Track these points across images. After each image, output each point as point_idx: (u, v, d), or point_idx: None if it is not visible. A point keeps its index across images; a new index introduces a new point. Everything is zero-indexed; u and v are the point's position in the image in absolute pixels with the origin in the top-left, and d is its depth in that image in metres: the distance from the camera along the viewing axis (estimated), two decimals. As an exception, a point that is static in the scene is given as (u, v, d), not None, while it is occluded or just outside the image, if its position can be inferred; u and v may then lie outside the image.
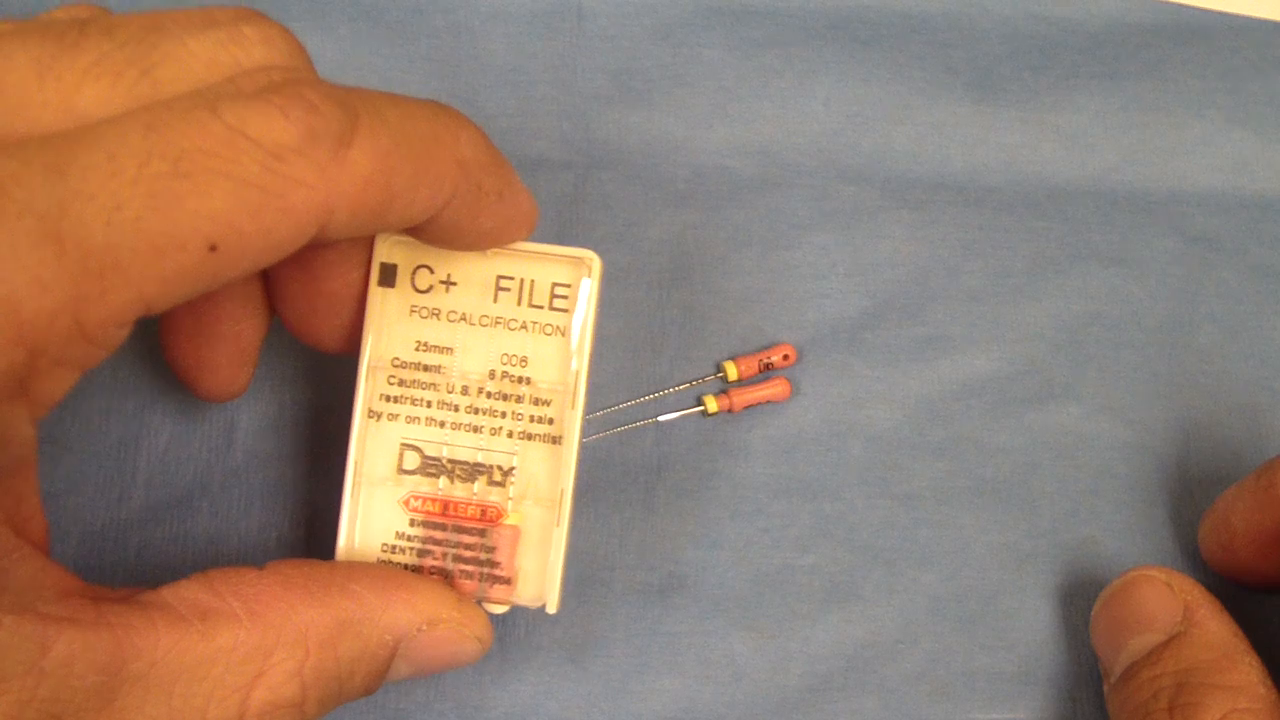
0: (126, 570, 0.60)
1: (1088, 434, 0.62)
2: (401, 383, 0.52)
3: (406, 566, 0.51)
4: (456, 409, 0.52)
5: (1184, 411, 0.63)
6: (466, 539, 0.51)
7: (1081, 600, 0.60)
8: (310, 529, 0.61)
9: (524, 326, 0.52)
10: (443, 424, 0.52)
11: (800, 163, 0.66)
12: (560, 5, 0.68)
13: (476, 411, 0.51)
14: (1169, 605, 0.54)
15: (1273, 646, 0.55)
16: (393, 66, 0.68)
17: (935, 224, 0.65)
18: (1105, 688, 0.56)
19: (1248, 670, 0.52)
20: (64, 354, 0.36)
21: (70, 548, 0.60)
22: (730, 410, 0.62)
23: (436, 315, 0.52)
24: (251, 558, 0.60)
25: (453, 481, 0.51)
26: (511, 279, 0.52)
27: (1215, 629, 0.53)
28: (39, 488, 0.46)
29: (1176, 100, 0.67)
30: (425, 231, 0.47)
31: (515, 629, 0.59)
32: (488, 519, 0.51)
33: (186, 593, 0.44)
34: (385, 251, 0.51)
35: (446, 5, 0.68)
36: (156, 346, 0.62)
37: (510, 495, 0.51)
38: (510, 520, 0.51)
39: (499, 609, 0.52)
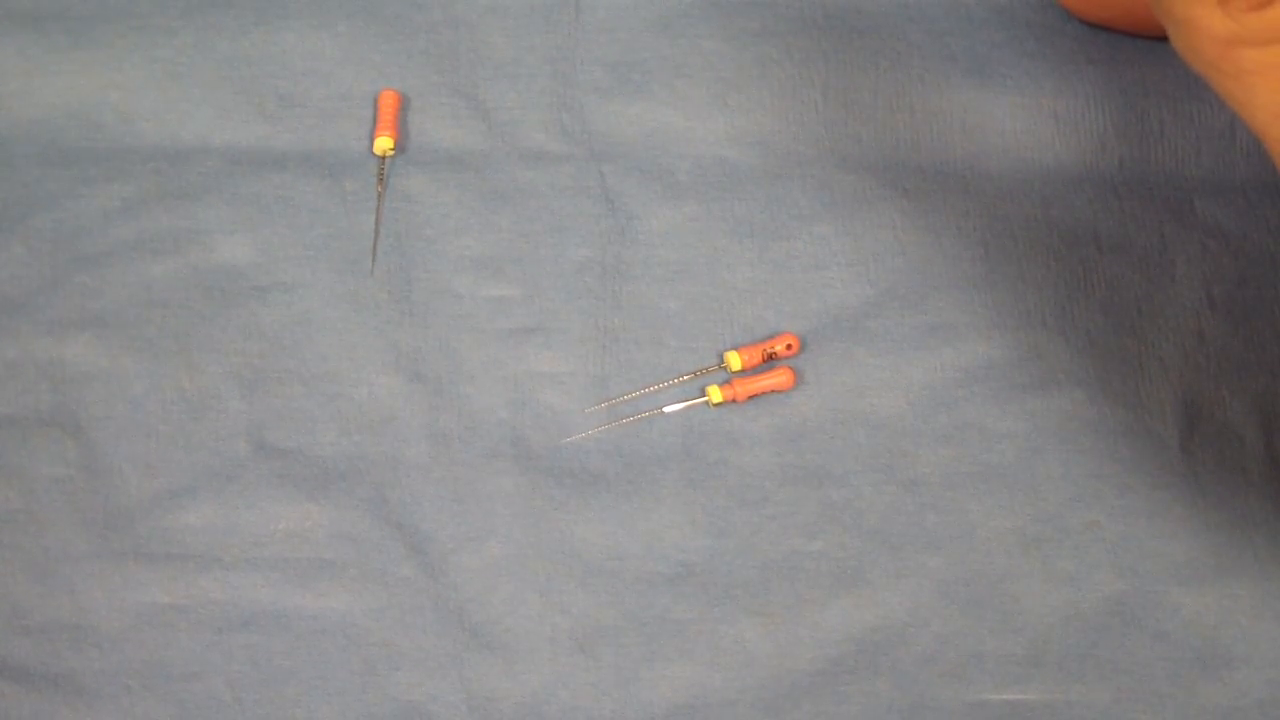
0: (135, 551, 0.60)
1: (1091, 418, 0.63)
2: None
3: None
4: None
5: (1186, 395, 0.63)
6: None
7: (1087, 584, 0.60)
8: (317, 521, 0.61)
9: None
10: None
11: (800, 152, 0.67)
12: (558, -2, 0.69)
13: None
14: None
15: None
16: (391, 61, 0.68)
17: (936, 212, 0.66)
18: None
19: None
20: None
21: (78, 529, 0.60)
22: (735, 400, 0.62)
23: None
24: (257, 547, 0.60)
25: None
26: None
27: None
28: None
29: (1175, 84, 0.67)
30: None
31: (525, 619, 0.60)
32: None
33: None
34: None
35: (445, -1, 0.69)
36: (162, 338, 0.63)
37: None
38: None
39: None
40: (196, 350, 0.63)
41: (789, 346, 0.63)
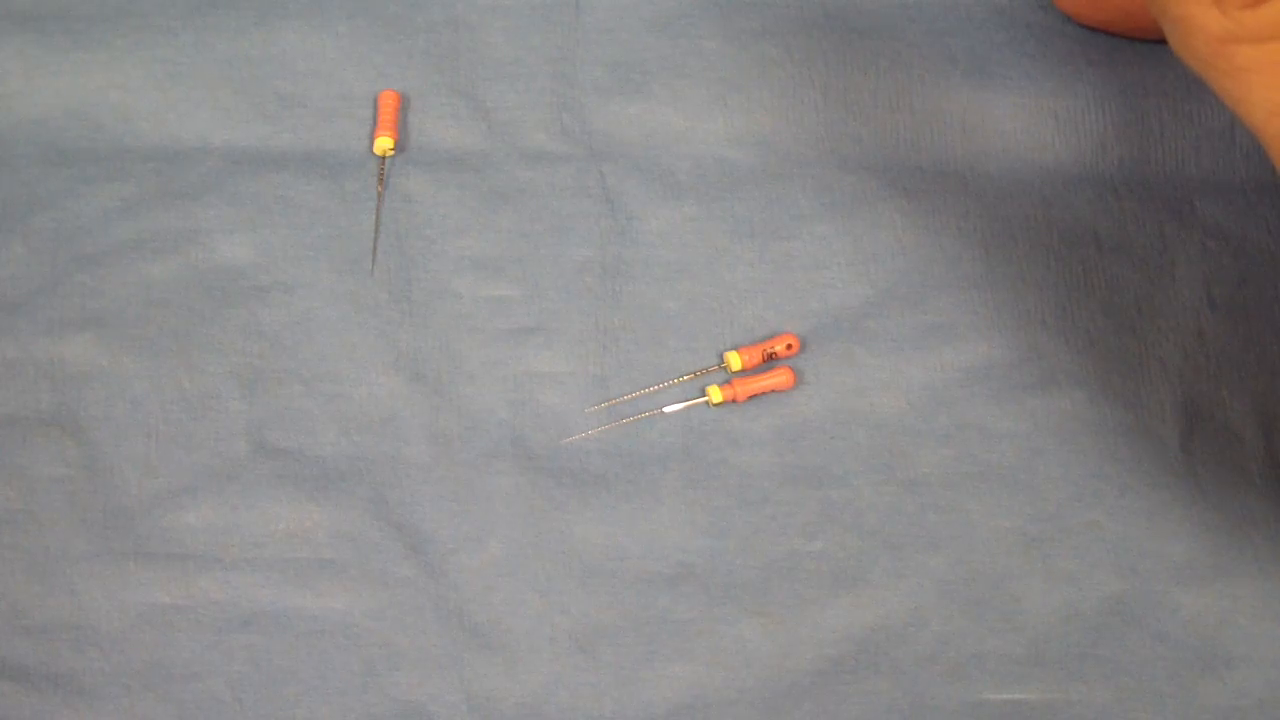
0: (135, 551, 0.60)
1: (1091, 418, 0.63)
2: None
3: None
4: None
5: (1186, 395, 0.63)
6: None
7: (1087, 583, 0.60)
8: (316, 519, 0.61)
9: None
10: None
11: (800, 153, 0.67)
12: (559, -2, 0.69)
13: None
14: None
15: None
16: (391, 61, 0.68)
17: (936, 212, 0.66)
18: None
19: None
20: None
21: (78, 529, 0.60)
22: (735, 400, 0.62)
23: None
24: (257, 547, 0.60)
25: None
26: None
27: None
28: None
29: (1175, 85, 0.68)
30: None
31: (525, 619, 0.59)
32: None
33: None
34: None
35: (445, -1, 0.69)
36: (162, 337, 0.63)
37: None
38: None
39: None
40: (196, 350, 0.63)
41: (789, 346, 0.63)
